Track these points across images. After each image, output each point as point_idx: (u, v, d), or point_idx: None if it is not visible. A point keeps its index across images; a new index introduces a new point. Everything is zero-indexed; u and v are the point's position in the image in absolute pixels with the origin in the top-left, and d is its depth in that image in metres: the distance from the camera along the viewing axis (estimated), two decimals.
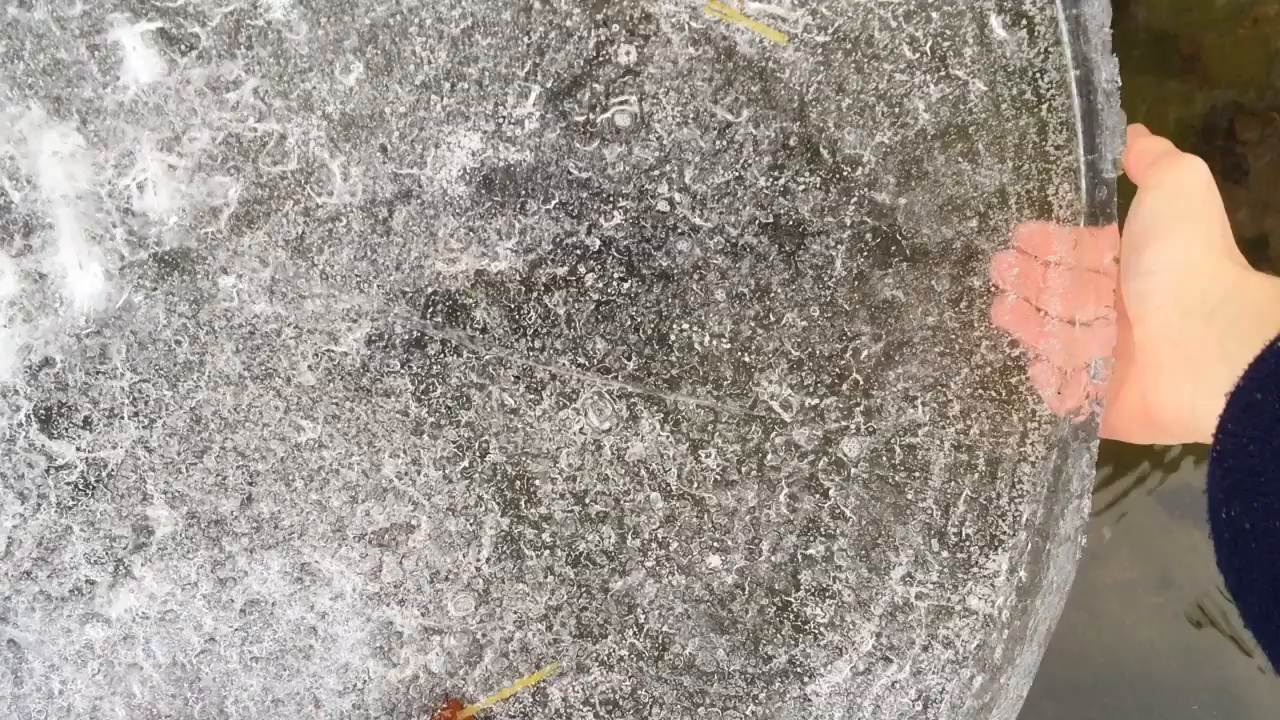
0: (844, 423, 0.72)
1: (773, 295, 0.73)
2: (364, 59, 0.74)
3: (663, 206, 0.73)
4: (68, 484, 0.68)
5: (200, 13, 0.73)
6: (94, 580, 0.67)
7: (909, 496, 0.73)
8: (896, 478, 0.73)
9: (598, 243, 0.73)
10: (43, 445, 0.68)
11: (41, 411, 0.68)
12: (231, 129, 0.72)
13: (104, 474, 0.68)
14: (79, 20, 0.71)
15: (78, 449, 0.69)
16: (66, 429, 0.68)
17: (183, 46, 0.72)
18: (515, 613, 0.68)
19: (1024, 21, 0.78)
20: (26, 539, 0.67)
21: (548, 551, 0.69)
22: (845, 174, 0.75)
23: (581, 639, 0.69)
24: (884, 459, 0.73)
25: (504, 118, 0.73)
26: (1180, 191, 0.60)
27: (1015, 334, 0.69)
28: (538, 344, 0.71)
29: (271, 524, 0.68)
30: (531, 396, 0.71)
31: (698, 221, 0.73)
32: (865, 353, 0.73)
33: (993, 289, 0.71)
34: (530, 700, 0.68)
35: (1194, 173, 0.60)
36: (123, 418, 0.69)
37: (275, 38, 0.73)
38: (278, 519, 0.69)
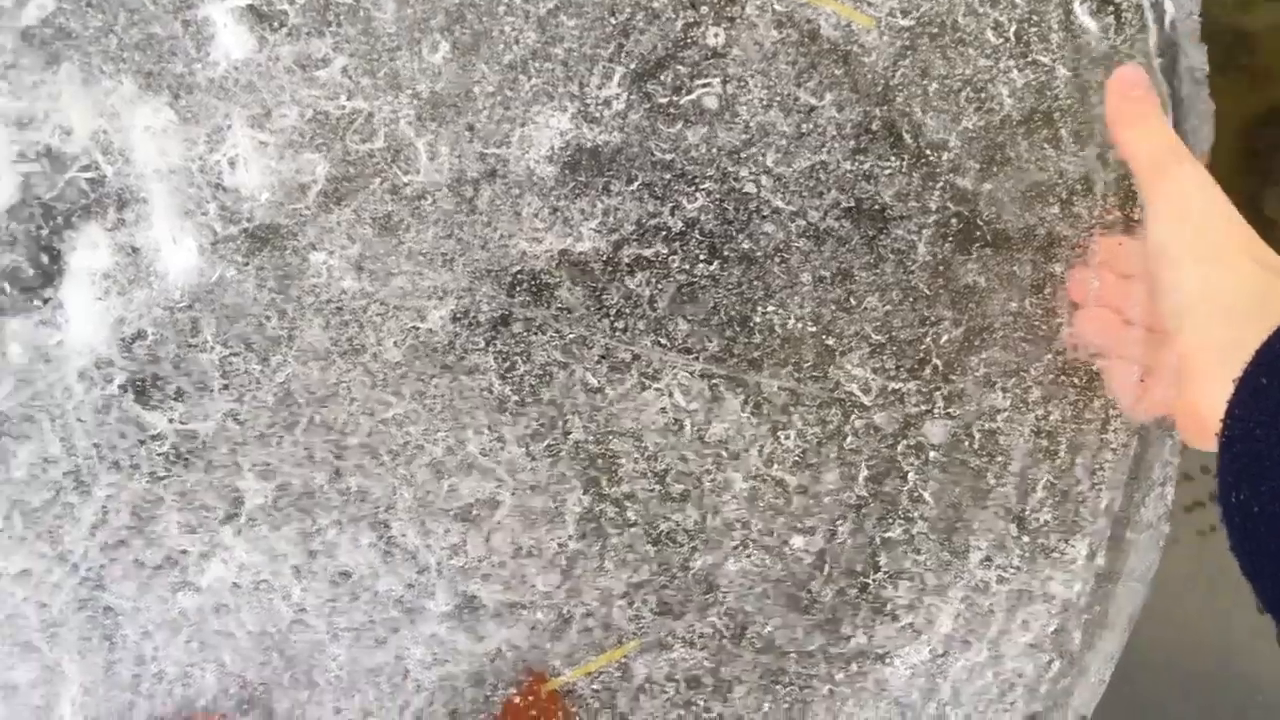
0: (924, 407, 0.73)
1: (854, 279, 0.74)
2: (451, 38, 0.75)
3: (746, 189, 0.74)
4: (160, 454, 0.70)
5: None
6: (186, 550, 0.69)
7: (989, 481, 0.74)
8: (976, 462, 0.73)
9: (681, 224, 0.74)
10: (136, 416, 0.70)
11: (135, 383, 0.70)
12: (320, 106, 0.74)
13: (195, 445, 0.70)
14: None
15: (170, 420, 0.70)
16: (159, 400, 0.70)
17: (272, 23, 0.73)
18: (598, 589, 0.69)
19: (1110, 7, 0.78)
20: (121, 508, 0.68)
21: (629, 529, 0.71)
22: (929, 159, 0.76)
23: (663, 616, 0.70)
24: (964, 443, 0.73)
25: (589, 98, 0.75)
26: (1184, 206, 0.60)
27: (1098, 345, 0.70)
28: (621, 324, 0.73)
29: (359, 497, 0.70)
30: (614, 376, 0.72)
31: (780, 204, 0.74)
32: (946, 337, 0.74)
33: (1071, 306, 0.72)
34: (615, 675, 0.69)
35: (1192, 183, 0.61)
36: (213, 390, 0.70)
37: (363, 16, 0.75)
38: (366, 492, 0.70)
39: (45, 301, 0.66)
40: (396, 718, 0.65)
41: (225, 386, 0.66)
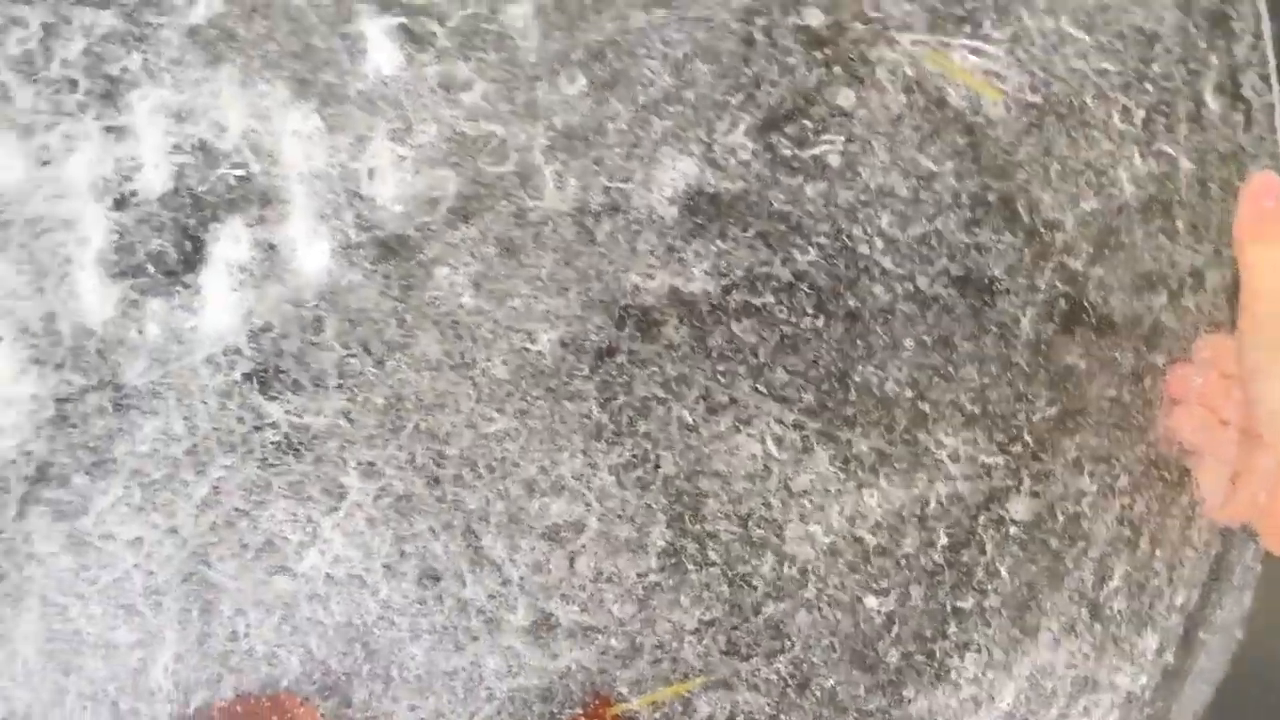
0: (1011, 482, 0.75)
1: (955, 348, 0.76)
2: (590, 73, 0.79)
3: (859, 248, 0.76)
4: (273, 443, 0.75)
5: (442, 13, 0.78)
6: (287, 536, 0.73)
7: (1066, 564, 0.75)
8: (1056, 543, 0.75)
9: (790, 276, 0.76)
10: (255, 404, 0.75)
11: (258, 373, 0.73)
12: (458, 127, 0.78)
13: (307, 438, 0.75)
14: (331, 9, 0.78)
15: (285, 411, 0.75)
16: (278, 392, 0.75)
17: (422, 44, 0.78)
18: (670, 622, 0.72)
19: (1241, 105, 0.79)
20: (232, 490, 0.73)
21: (708, 568, 0.74)
22: (1042, 237, 0.78)
23: (730, 657, 0.73)
24: (1046, 523, 0.75)
25: (716, 144, 0.78)
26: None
27: (1192, 442, 0.69)
28: (721, 367, 0.76)
29: (454, 505, 0.73)
30: (710, 416, 0.75)
31: (890, 266, 0.77)
32: (1040, 416, 0.75)
33: (1169, 399, 0.73)
34: (678, 709, 0.72)
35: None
36: (329, 388, 0.75)
37: (508, 44, 0.79)
38: (460, 501, 0.74)
39: (185, 287, 0.71)
40: (471, 717, 0.68)
41: (340, 385, 0.70)
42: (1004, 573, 0.68)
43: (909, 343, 0.68)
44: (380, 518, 0.67)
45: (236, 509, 0.67)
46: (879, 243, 0.69)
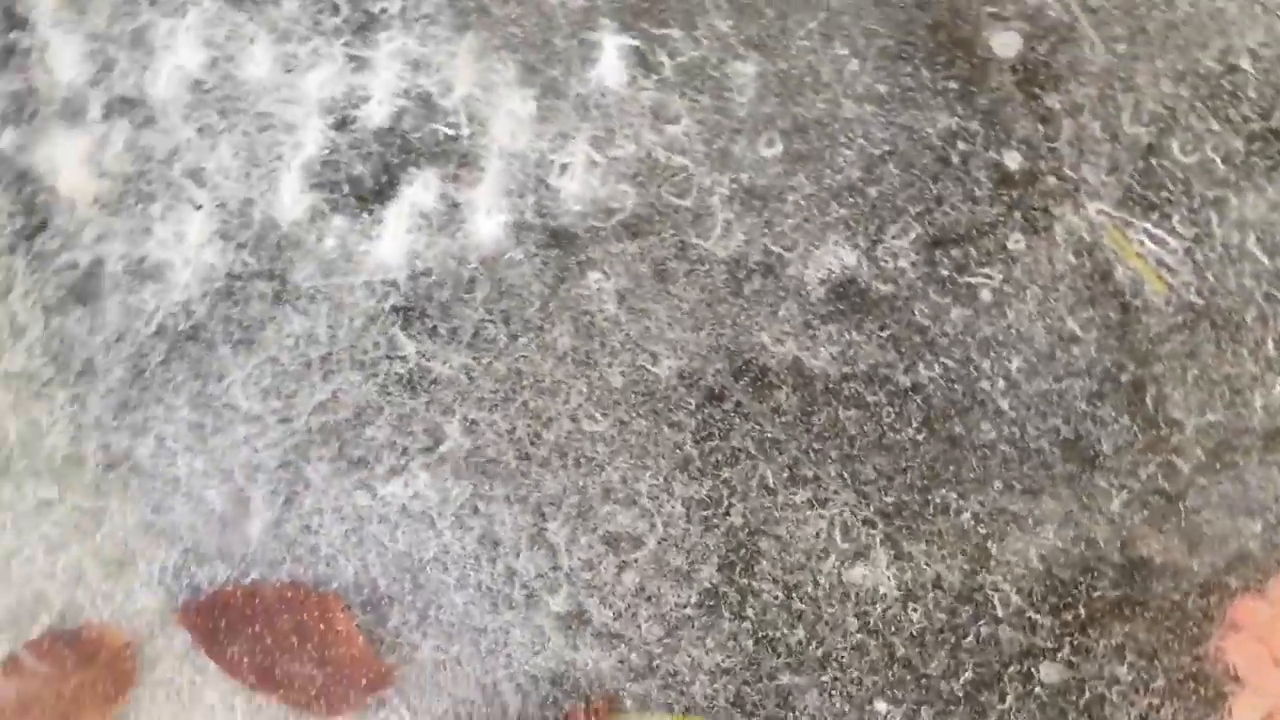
0: (1051, 644, 0.77)
1: (1040, 504, 0.79)
2: (788, 143, 0.85)
3: (981, 382, 0.80)
4: (397, 374, 0.82)
5: (675, 48, 0.86)
6: (380, 460, 0.81)
7: None
8: (1074, 717, 0.77)
9: (909, 384, 0.81)
10: (393, 336, 0.83)
11: (405, 310, 0.77)
12: (654, 152, 0.85)
13: (427, 380, 0.82)
14: (579, 14, 0.85)
15: (417, 350, 0.82)
16: (416, 331, 0.82)
17: (648, 69, 0.85)
18: (691, 657, 0.77)
19: None
20: (348, 402, 0.81)
21: (740, 620, 0.78)
22: (1159, 430, 0.80)
23: (734, 708, 0.77)
24: (1071, 695, 0.77)
25: (881, 243, 0.83)
26: None
27: (1239, 672, 0.73)
28: (817, 445, 0.80)
29: (534, 485, 0.80)
30: (791, 485, 0.79)
31: (1005, 408, 0.80)
32: (1101, 594, 0.78)
33: (1231, 624, 0.78)
34: None
35: None
36: (461, 343, 0.82)
37: (723, 95, 0.85)
38: (540, 483, 0.80)
39: (370, 214, 0.79)
40: (479, 678, 0.74)
41: (471, 344, 0.77)
42: None
43: (998, 484, 0.72)
44: (466, 472, 0.73)
45: (346, 420, 0.74)
46: (1001, 383, 0.73)
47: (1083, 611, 0.69)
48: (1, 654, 0.68)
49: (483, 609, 0.69)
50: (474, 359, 0.72)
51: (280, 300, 0.72)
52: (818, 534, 0.70)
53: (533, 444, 0.71)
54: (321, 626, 0.67)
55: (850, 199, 0.73)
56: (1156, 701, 0.69)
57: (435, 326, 0.72)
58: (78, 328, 0.72)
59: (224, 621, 0.67)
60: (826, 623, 0.69)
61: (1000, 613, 0.69)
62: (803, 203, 0.73)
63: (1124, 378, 0.71)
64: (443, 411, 0.71)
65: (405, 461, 0.71)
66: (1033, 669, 0.68)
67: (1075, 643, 0.69)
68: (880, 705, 0.68)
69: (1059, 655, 0.69)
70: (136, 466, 0.71)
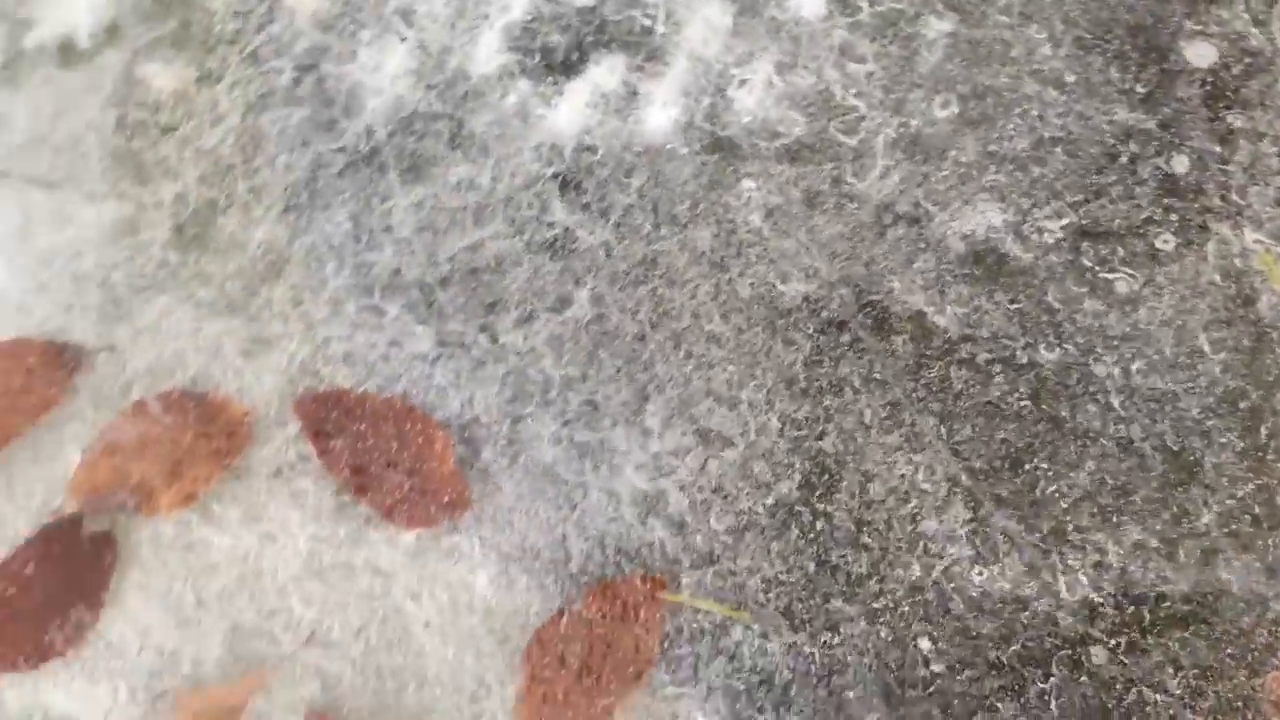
0: (1106, 637, 0.78)
1: (1129, 501, 0.80)
2: (964, 106, 0.88)
3: (1097, 371, 0.81)
4: (542, 236, 0.86)
5: None
6: (507, 304, 0.83)
7: None
8: (1113, 706, 0.77)
9: (1026, 360, 0.82)
10: (548, 199, 0.88)
11: (565, 178, 0.81)
12: (832, 88, 0.89)
13: (568, 246, 0.87)
14: None
15: (566, 217, 0.87)
16: (576, 200, 0.88)
17: (848, 9, 0.89)
18: (752, 560, 0.80)
19: None
20: (491, 248, 0.86)
21: (808, 539, 0.81)
22: (1266, 459, 0.80)
23: (784, 617, 0.79)
24: (1114, 688, 0.77)
25: (1030, 218, 0.85)
26: None
27: None
28: (921, 394, 0.82)
29: (644, 366, 0.84)
30: (887, 425, 0.82)
31: (1115, 404, 0.81)
32: (1170, 603, 0.78)
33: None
34: (713, 625, 0.79)
35: None
36: (609, 221, 0.87)
37: (911, 49, 0.89)
38: (651, 365, 0.85)
39: (554, 84, 0.84)
40: (550, 528, 0.79)
41: (618, 224, 0.82)
42: (1053, 708, 0.72)
43: (1092, 473, 0.73)
44: (584, 339, 0.78)
45: (487, 266, 0.79)
46: (1118, 378, 0.74)
47: (1147, 615, 0.70)
48: (134, 398, 0.75)
49: (568, 467, 0.74)
50: (616, 238, 0.76)
51: (454, 144, 0.78)
52: (902, 478, 0.73)
53: (652, 328, 0.75)
54: (420, 441, 0.72)
55: (1011, 171, 0.76)
56: (1192, 716, 0.70)
57: (588, 201, 0.77)
58: (269, 128, 0.79)
59: (334, 416, 0.73)
60: (890, 563, 0.72)
61: (1064, 595, 0.71)
62: (963, 164, 0.76)
63: (1243, 403, 0.72)
64: (576, 280, 0.76)
65: (531, 316, 0.76)
66: (1083, 657, 0.70)
67: (1132, 642, 0.70)
68: (925, 643, 0.70)
69: (1113, 650, 0.70)
70: (291, 261, 0.77)
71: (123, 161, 0.77)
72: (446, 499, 0.70)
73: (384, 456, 0.71)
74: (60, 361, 0.73)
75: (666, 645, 0.68)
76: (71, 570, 0.69)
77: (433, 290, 0.75)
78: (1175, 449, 0.70)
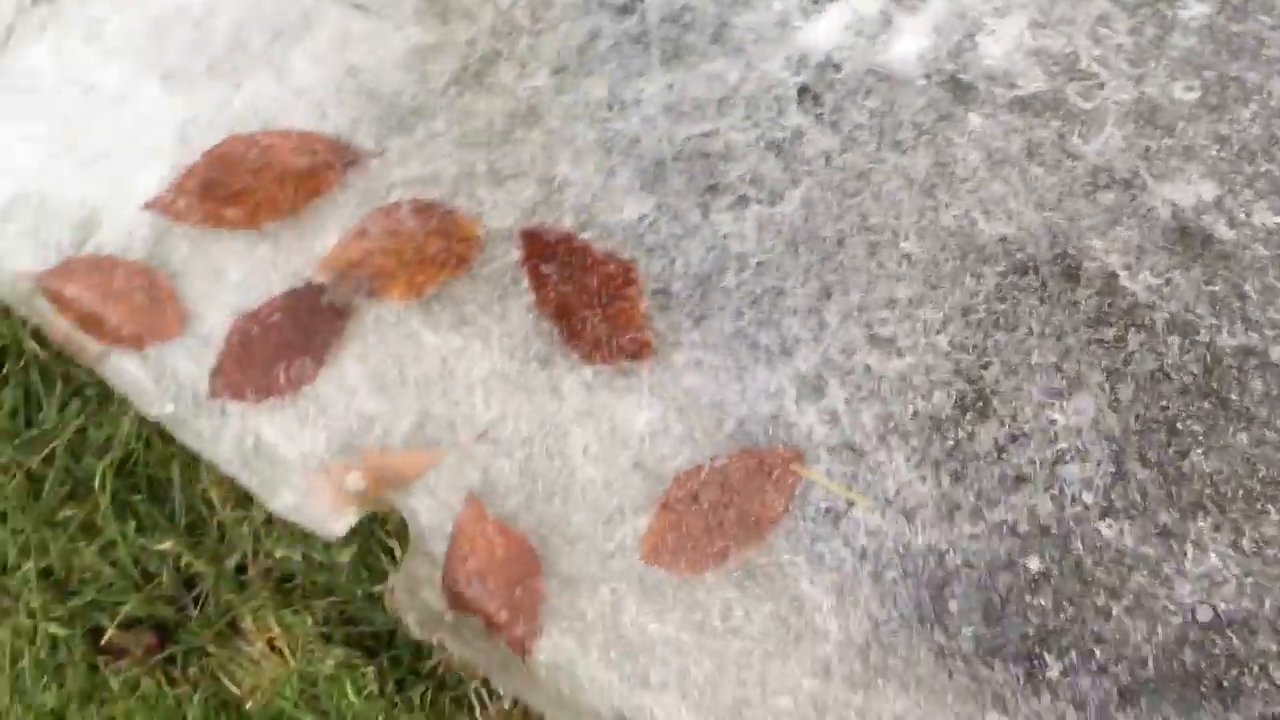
0: (1223, 608, 0.78)
1: (1278, 492, 0.79)
2: (1205, 91, 0.90)
3: (1277, 360, 0.82)
4: (772, 136, 0.91)
5: None
6: (724, 194, 0.93)
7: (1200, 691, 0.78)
8: (1210, 682, 0.78)
9: (1206, 338, 0.83)
10: (786, 104, 0.95)
11: (806, 88, 0.94)
12: (1079, 52, 0.92)
13: (795, 148, 0.93)
14: None
15: (799, 122, 0.95)
16: (806, 109, 0.95)
17: None
18: (891, 462, 0.84)
19: None
20: (722, 138, 0.96)
21: (948, 455, 0.85)
22: None
23: (902, 517, 0.84)
24: (1220, 662, 0.78)
25: (1246, 207, 0.86)
26: None
27: None
28: (1094, 347, 0.85)
29: (835, 268, 0.89)
30: (1052, 370, 0.83)
31: None
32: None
33: None
34: (838, 512, 0.85)
35: None
36: (838, 133, 0.94)
37: (1167, 28, 0.92)
38: (842, 268, 0.90)
39: (816, 2, 0.93)
40: (713, 394, 0.86)
41: (845, 139, 0.89)
42: (1150, 664, 0.75)
43: (1246, 451, 0.75)
44: (786, 232, 0.86)
45: (716, 152, 0.88)
46: None
47: (1266, 603, 0.72)
48: (391, 200, 0.87)
49: (744, 342, 0.81)
50: (840, 149, 0.84)
51: (715, 40, 0.87)
52: (1053, 421, 0.77)
53: (851, 235, 0.82)
54: (619, 283, 0.82)
55: (1236, 158, 0.78)
56: None
57: (822, 113, 0.85)
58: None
59: (551, 251, 0.83)
60: (1023, 494, 0.76)
61: (1189, 565, 0.73)
62: (1190, 142, 0.79)
63: None
64: (793, 179, 0.84)
65: (744, 203, 0.84)
66: (1192, 627, 0.72)
67: (1246, 623, 0.72)
68: (1033, 564, 0.74)
69: (1223, 627, 0.72)
70: (549, 114, 0.88)
71: (434, 3, 0.90)
72: (630, 344, 0.79)
73: (585, 295, 0.81)
74: (340, 157, 0.87)
75: (791, 514, 0.75)
76: (306, 328, 0.82)
77: (664, 164, 0.84)
78: None
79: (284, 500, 0.79)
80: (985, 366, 0.76)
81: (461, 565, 0.75)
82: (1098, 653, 0.69)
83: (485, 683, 1.02)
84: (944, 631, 0.71)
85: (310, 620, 1.23)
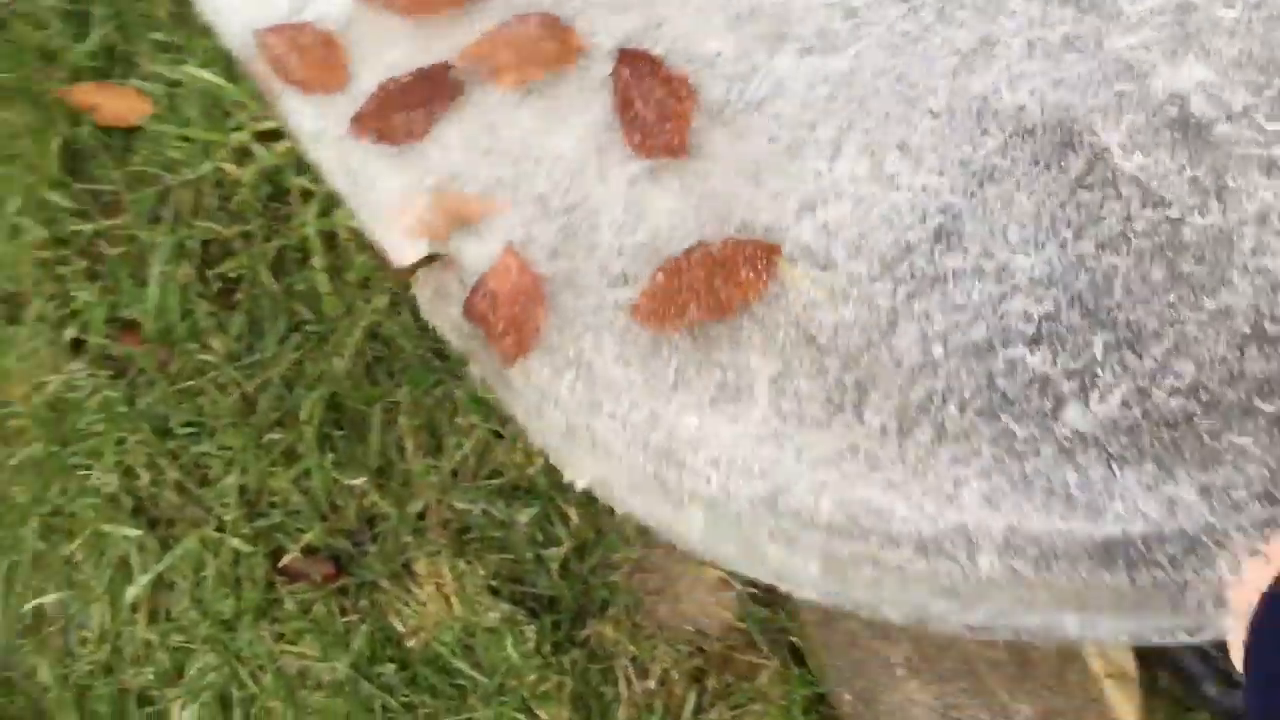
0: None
1: None
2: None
3: None
4: (851, 5, 0.97)
5: None
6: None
7: None
8: None
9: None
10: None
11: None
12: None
13: (862, 9, 1.01)
14: None
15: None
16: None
17: None
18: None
19: None
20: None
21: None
22: None
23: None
24: None
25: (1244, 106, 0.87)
26: None
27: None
28: (1067, 209, 0.92)
29: (862, 111, 0.90)
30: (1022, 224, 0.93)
31: None
32: None
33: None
34: (806, 311, 0.94)
35: None
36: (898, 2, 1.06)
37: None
38: (869, 114, 0.92)
39: None
40: (738, 194, 0.98)
41: (911, 8, 1.00)
42: None
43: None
44: (831, 79, 0.97)
45: (795, 6, 1.02)
46: None
47: None
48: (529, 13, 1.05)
49: (770, 157, 0.94)
50: (902, 15, 0.95)
51: None
52: (1012, 265, 0.86)
53: (889, 88, 0.94)
54: (679, 95, 0.97)
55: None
56: None
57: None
58: None
59: (635, 68, 0.99)
60: (966, 316, 0.85)
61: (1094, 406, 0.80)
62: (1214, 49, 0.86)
63: None
64: (855, 37, 0.96)
65: (807, 53, 0.96)
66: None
67: None
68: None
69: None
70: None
71: None
72: (672, 142, 0.95)
73: (649, 100, 0.96)
74: None
75: (761, 303, 0.87)
76: (429, 95, 1.02)
77: (748, 14, 0.98)
78: None
79: (371, 214, 1.00)
80: (969, 209, 0.86)
81: (483, 285, 0.93)
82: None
83: (634, 660, 1.09)
84: (859, 422, 0.84)
85: (481, 573, 1.34)
